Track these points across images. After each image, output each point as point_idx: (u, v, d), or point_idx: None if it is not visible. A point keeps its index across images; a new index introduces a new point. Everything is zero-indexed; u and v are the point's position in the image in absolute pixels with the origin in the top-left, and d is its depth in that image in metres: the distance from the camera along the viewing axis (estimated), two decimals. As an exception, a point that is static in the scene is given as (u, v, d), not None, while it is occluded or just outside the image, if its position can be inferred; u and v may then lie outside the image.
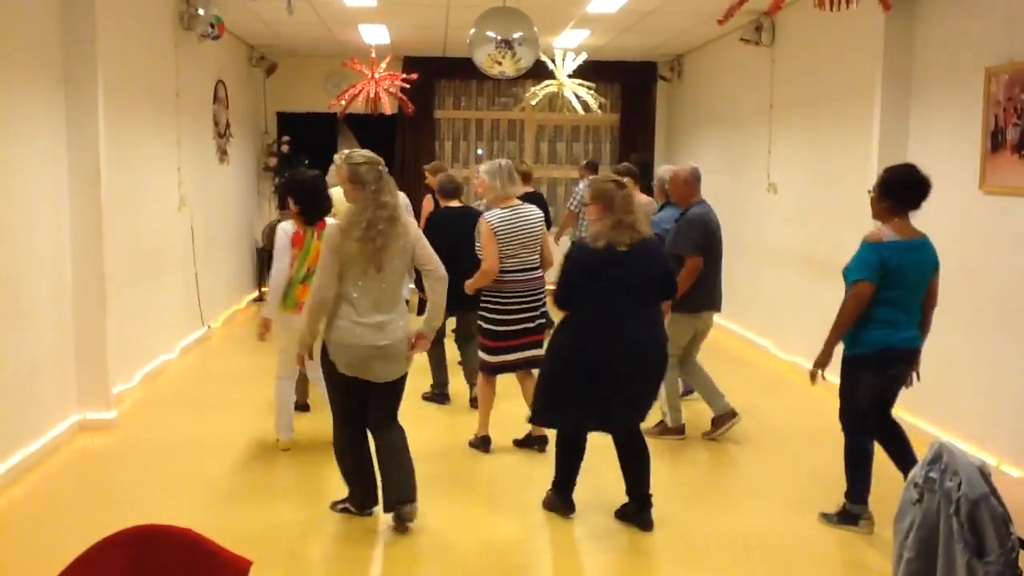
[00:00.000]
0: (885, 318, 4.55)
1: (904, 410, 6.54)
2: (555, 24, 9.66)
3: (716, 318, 6.44)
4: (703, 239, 6.01)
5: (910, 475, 3.09)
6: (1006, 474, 5.20)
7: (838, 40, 7.56)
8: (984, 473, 2.88)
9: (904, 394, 6.55)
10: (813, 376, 4.75)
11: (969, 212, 5.87)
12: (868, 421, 4.71)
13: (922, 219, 6.38)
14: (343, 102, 10.00)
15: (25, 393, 5.49)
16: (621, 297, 4.58)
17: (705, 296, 6.10)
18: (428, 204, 8.57)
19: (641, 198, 7.61)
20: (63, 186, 6.02)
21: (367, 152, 4.61)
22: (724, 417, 6.21)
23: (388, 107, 10.09)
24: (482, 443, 5.94)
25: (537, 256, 5.82)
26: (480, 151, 13.19)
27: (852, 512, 4.73)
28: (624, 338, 4.56)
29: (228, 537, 2.56)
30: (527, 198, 6.25)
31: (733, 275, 9.32)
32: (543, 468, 5.34)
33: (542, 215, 5.94)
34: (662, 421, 6.22)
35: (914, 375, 4.76)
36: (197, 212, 8.90)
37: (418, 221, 8.93)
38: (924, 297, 4.69)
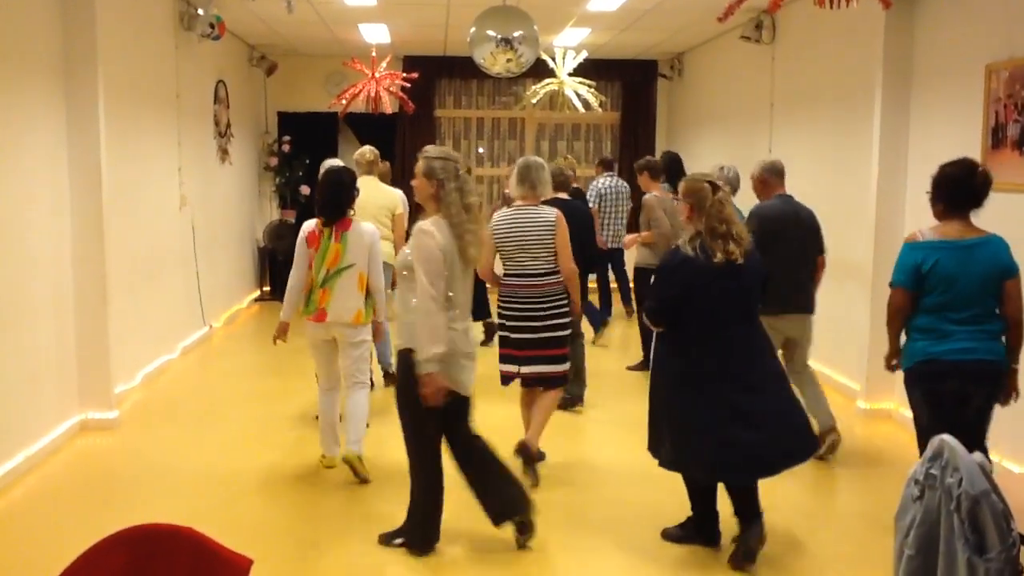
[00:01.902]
0: (926, 327, 4.13)
1: (906, 407, 6.53)
2: (555, 22, 9.66)
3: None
4: (759, 235, 5.19)
5: (911, 472, 3.09)
6: (1007, 471, 5.20)
7: (838, 37, 7.55)
8: (985, 470, 2.88)
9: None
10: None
11: (970, 209, 5.85)
12: (923, 440, 4.08)
13: (924, 215, 6.39)
14: (344, 101, 9.99)
15: (27, 393, 5.50)
16: (734, 317, 4.18)
17: (778, 296, 5.25)
18: None
19: (664, 195, 7.62)
20: (64, 186, 6.02)
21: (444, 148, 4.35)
22: (826, 433, 5.70)
23: (389, 106, 10.07)
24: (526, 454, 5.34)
25: (543, 262, 5.31)
26: (481, 150, 13.19)
27: None
28: (741, 367, 4.16)
29: (229, 536, 2.56)
30: (554, 201, 5.79)
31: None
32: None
33: (552, 220, 5.31)
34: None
35: (1012, 392, 4.20)
36: (198, 212, 8.91)
37: (412, 220, 9.03)
38: (1000, 305, 4.10)
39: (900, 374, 6.64)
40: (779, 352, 5.34)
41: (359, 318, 5.23)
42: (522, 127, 13.29)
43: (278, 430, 6.27)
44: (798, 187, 8.60)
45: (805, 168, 8.37)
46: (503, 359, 5.43)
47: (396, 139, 12.56)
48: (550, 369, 5.34)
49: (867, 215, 6.82)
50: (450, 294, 4.13)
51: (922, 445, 4.02)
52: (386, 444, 5.55)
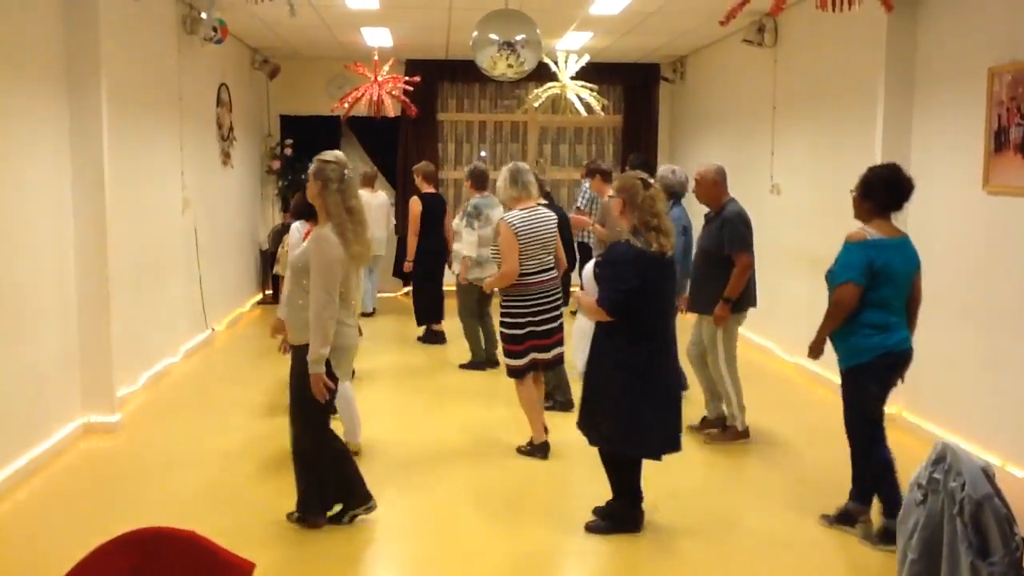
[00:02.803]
0: (877, 322, 4.43)
1: (908, 411, 6.56)
2: (558, 26, 9.67)
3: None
4: (749, 236, 5.94)
5: (914, 476, 3.09)
6: (1010, 475, 5.19)
7: (841, 41, 7.55)
8: (988, 474, 2.88)
9: (910, 395, 6.58)
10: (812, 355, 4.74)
11: (972, 212, 5.86)
12: (879, 429, 4.57)
13: (925, 219, 6.40)
14: (346, 105, 10.01)
15: (30, 396, 5.50)
16: (669, 307, 4.53)
17: (750, 294, 6.08)
18: (415, 205, 9.16)
19: None
20: (67, 190, 6.03)
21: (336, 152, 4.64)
22: (743, 434, 6.20)
23: (391, 110, 10.09)
24: (539, 450, 5.83)
25: (551, 258, 5.88)
26: (483, 153, 13.19)
27: (848, 512, 4.66)
28: (670, 352, 4.52)
29: (232, 540, 2.57)
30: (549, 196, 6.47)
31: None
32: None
33: (556, 217, 6.01)
34: (732, 426, 6.21)
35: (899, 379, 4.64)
36: (201, 215, 8.92)
37: (406, 223, 9.50)
38: (909, 297, 4.58)
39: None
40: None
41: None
42: (524, 131, 13.29)
43: (280, 433, 6.26)
44: (800, 190, 8.63)
45: (807, 171, 8.38)
46: (524, 353, 5.73)
47: (399, 143, 12.57)
48: (563, 349, 5.93)
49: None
50: (341, 291, 4.40)
51: (868, 432, 4.54)
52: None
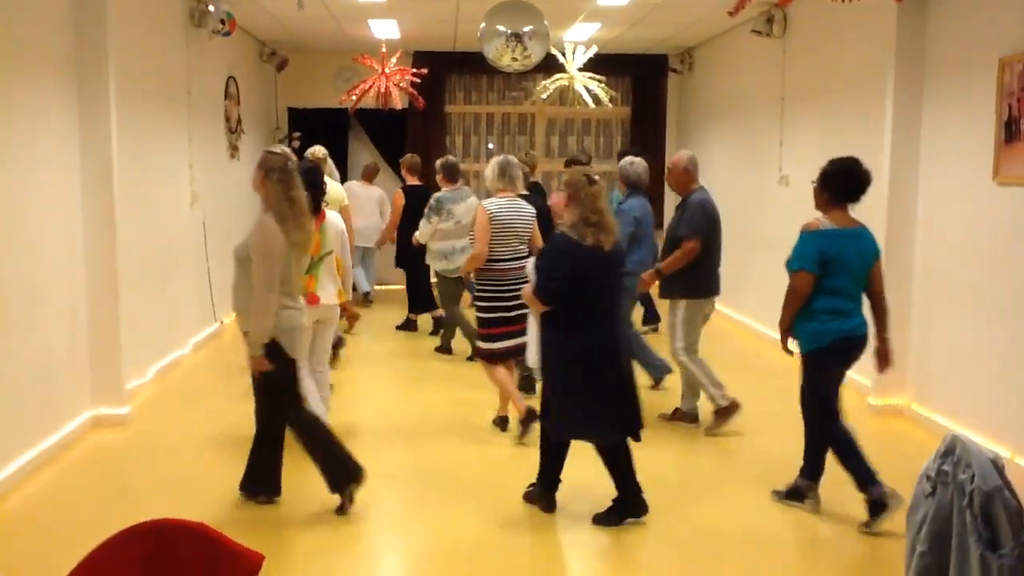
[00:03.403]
0: (832, 308, 4.62)
1: (918, 403, 6.55)
2: (565, 17, 9.64)
3: (729, 311, 6.44)
4: (704, 224, 6.11)
5: (923, 468, 3.07)
6: (1020, 466, 5.18)
7: (850, 31, 7.51)
8: (998, 465, 2.87)
9: (919, 387, 6.57)
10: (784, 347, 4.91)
11: (982, 203, 5.83)
12: (835, 409, 4.78)
13: (935, 210, 6.38)
14: (354, 97, 10.01)
15: (40, 389, 5.53)
16: (607, 299, 4.61)
17: (713, 281, 6.26)
18: (398, 198, 9.48)
19: None
20: (76, 183, 6.05)
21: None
22: (688, 416, 6.40)
23: (399, 102, 10.09)
24: (503, 423, 6.19)
25: (525, 246, 6.07)
26: (491, 145, 13.18)
27: (875, 500, 4.63)
28: (610, 342, 4.59)
29: (241, 531, 2.57)
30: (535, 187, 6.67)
31: (745, 268, 9.30)
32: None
33: (534, 209, 6.19)
34: (678, 408, 6.42)
35: (877, 363, 4.85)
36: (209, 208, 8.93)
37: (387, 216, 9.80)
38: (869, 285, 4.74)
39: (910, 371, 6.66)
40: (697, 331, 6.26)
41: (340, 296, 5.84)
42: (532, 122, 13.27)
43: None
44: (808, 183, 8.58)
45: (816, 162, 8.29)
46: (498, 337, 5.95)
47: (406, 135, 12.56)
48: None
49: (879, 210, 6.78)
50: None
51: (825, 408, 4.74)
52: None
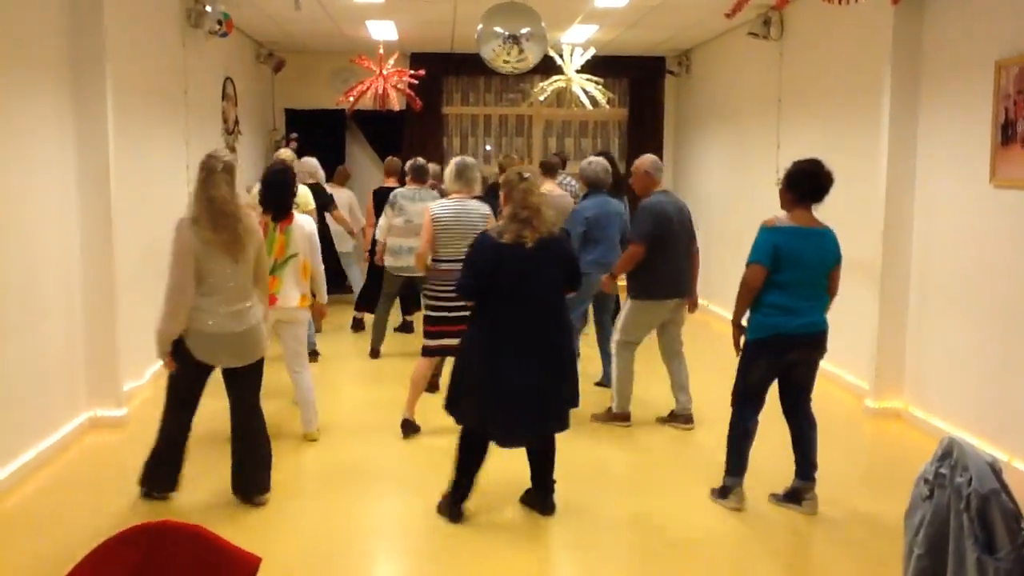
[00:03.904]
0: (777, 303, 4.71)
1: (914, 405, 6.56)
2: (563, 19, 9.65)
3: (724, 311, 6.45)
4: (651, 228, 6.12)
5: (920, 471, 3.08)
6: (1017, 470, 5.18)
7: (847, 34, 7.53)
8: (995, 469, 2.87)
9: (916, 390, 6.57)
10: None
11: (979, 206, 5.84)
12: (754, 400, 4.87)
13: (931, 213, 6.38)
14: (351, 98, 10.01)
15: (36, 391, 5.52)
16: (529, 296, 4.59)
17: (660, 284, 6.20)
18: (370, 201, 9.56)
19: (554, 191, 7.64)
20: (72, 184, 6.03)
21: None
22: (619, 416, 6.43)
23: (396, 103, 10.09)
24: (407, 427, 6.16)
25: None
26: (488, 147, 13.18)
27: (724, 485, 4.96)
28: (532, 341, 4.58)
29: (238, 534, 2.57)
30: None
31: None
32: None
33: (486, 212, 6.13)
34: (610, 407, 6.47)
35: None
36: (206, 209, 8.91)
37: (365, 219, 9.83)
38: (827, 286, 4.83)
39: (907, 374, 6.68)
40: (639, 332, 6.36)
41: (304, 301, 5.84)
42: (530, 124, 13.27)
43: (287, 420, 6.28)
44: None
45: (813, 165, 8.35)
46: (434, 335, 6.02)
47: (404, 136, 12.56)
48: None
49: (875, 213, 6.80)
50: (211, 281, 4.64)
51: (742, 399, 4.88)
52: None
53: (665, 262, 6.14)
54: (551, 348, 4.63)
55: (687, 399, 6.38)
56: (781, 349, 4.75)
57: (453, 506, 4.75)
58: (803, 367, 4.86)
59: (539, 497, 4.86)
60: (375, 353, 8.48)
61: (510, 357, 4.54)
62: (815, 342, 4.80)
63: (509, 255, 4.53)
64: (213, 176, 4.70)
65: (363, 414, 6.76)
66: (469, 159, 6.29)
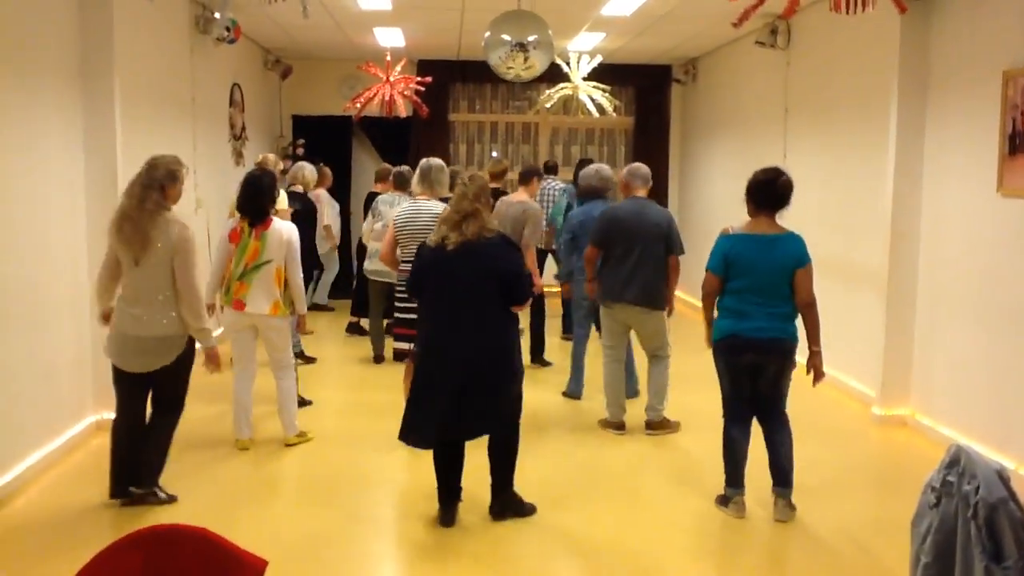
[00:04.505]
0: (729, 307, 4.83)
1: (921, 413, 6.54)
2: (570, 27, 9.66)
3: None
4: (598, 232, 6.32)
5: (927, 479, 3.07)
6: (1024, 479, 5.16)
7: (854, 43, 7.53)
8: (1003, 477, 2.86)
9: (922, 397, 6.54)
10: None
11: (987, 215, 5.83)
12: (732, 407, 4.95)
13: (939, 222, 6.37)
14: (358, 105, 10.03)
15: (43, 394, 5.53)
16: (451, 299, 4.59)
17: (605, 288, 6.32)
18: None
19: (512, 199, 7.62)
20: (80, 189, 6.06)
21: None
22: (612, 425, 6.45)
23: (403, 110, 10.11)
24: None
25: None
26: (495, 154, 13.19)
27: (724, 495, 5.01)
28: (451, 344, 4.56)
29: (243, 536, 2.57)
30: (495, 194, 6.85)
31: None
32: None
33: (438, 212, 6.11)
34: (606, 416, 6.52)
35: (819, 373, 4.92)
36: (213, 214, 8.94)
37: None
38: (796, 293, 4.81)
39: (914, 382, 6.67)
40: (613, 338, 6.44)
41: (275, 309, 5.76)
42: (536, 132, 13.29)
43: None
44: (812, 194, 8.60)
45: (819, 174, 8.35)
46: (399, 338, 6.06)
47: (410, 143, 12.57)
48: None
49: (882, 221, 6.79)
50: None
51: (725, 408, 4.98)
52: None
53: (610, 266, 6.26)
54: (475, 350, 4.53)
55: (650, 406, 6.37)
56: (734, 352, 4.82)
57: (440, 509, 4.76)
58: (767, 377, 4.84)
59: (493, 498, 4.82)
60: (378, 359, 8.48)
61: (433, 357, 4.60)
62: (769, 348, 4.78)
63: (431, 257, 4.62)
64: (134, 180, 4.78)
65: (354, 419, 6.75)
66: (436, 161, 6.34)
